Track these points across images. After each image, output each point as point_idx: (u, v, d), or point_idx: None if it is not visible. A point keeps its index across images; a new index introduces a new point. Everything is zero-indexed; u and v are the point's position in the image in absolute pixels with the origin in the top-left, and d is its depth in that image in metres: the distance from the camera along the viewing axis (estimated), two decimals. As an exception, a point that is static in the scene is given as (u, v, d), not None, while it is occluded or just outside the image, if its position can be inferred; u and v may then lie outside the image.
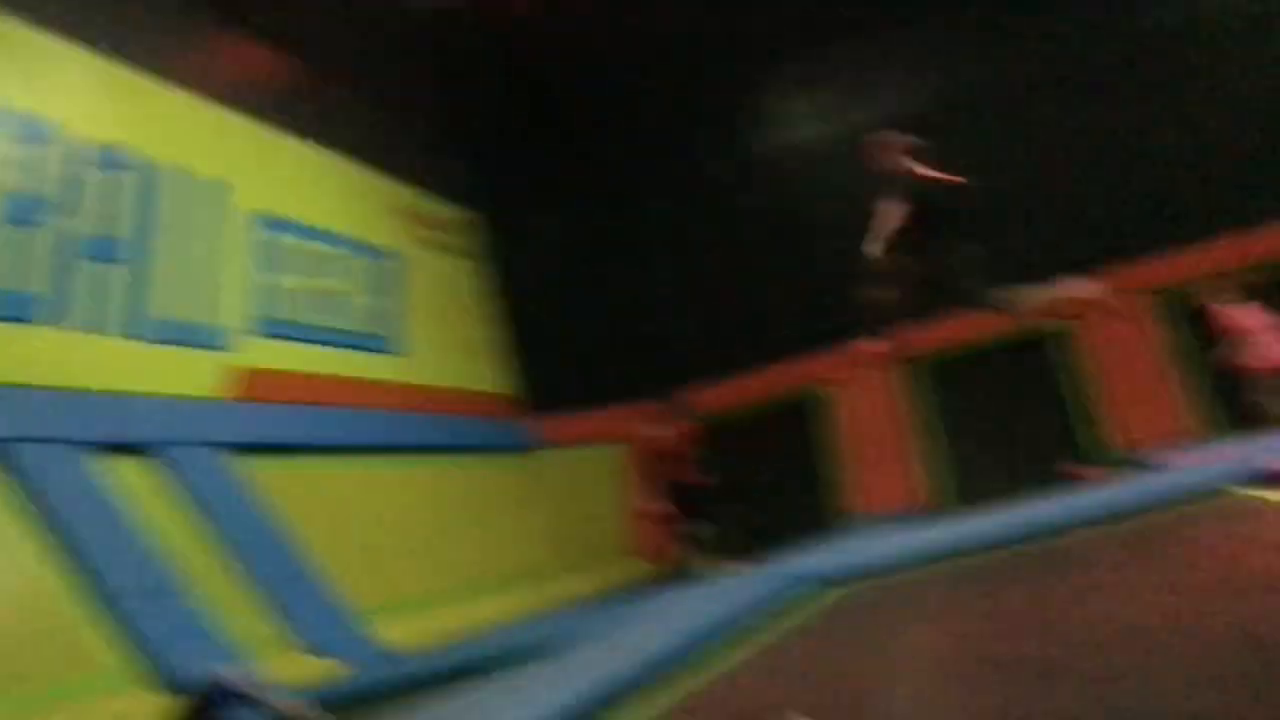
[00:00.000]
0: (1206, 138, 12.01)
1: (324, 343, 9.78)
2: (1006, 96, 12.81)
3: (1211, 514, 5.13)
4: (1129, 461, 9.18)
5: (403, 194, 11.72)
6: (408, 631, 8.15)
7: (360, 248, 10.67)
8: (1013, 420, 11.30)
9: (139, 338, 7.78)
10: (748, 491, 11.18)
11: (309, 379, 9.41)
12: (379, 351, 10.57)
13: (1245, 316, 9.87)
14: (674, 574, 10.98)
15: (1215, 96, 12.11)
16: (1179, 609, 3.03)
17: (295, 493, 8.46)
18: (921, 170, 6.94)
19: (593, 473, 12.53)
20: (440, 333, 11.66)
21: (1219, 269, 11.55)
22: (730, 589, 5.98)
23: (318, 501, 8.71)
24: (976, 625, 3.70)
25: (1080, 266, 10.25)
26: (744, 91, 13.87)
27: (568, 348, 12.81)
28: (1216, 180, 11.81)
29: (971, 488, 11.30)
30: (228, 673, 4.74)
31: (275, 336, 9.15)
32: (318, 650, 7.25)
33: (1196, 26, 12.34)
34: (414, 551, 9.34)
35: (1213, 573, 3.51)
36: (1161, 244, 11.88)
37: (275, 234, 9.49)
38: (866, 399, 12.49)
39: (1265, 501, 5.03)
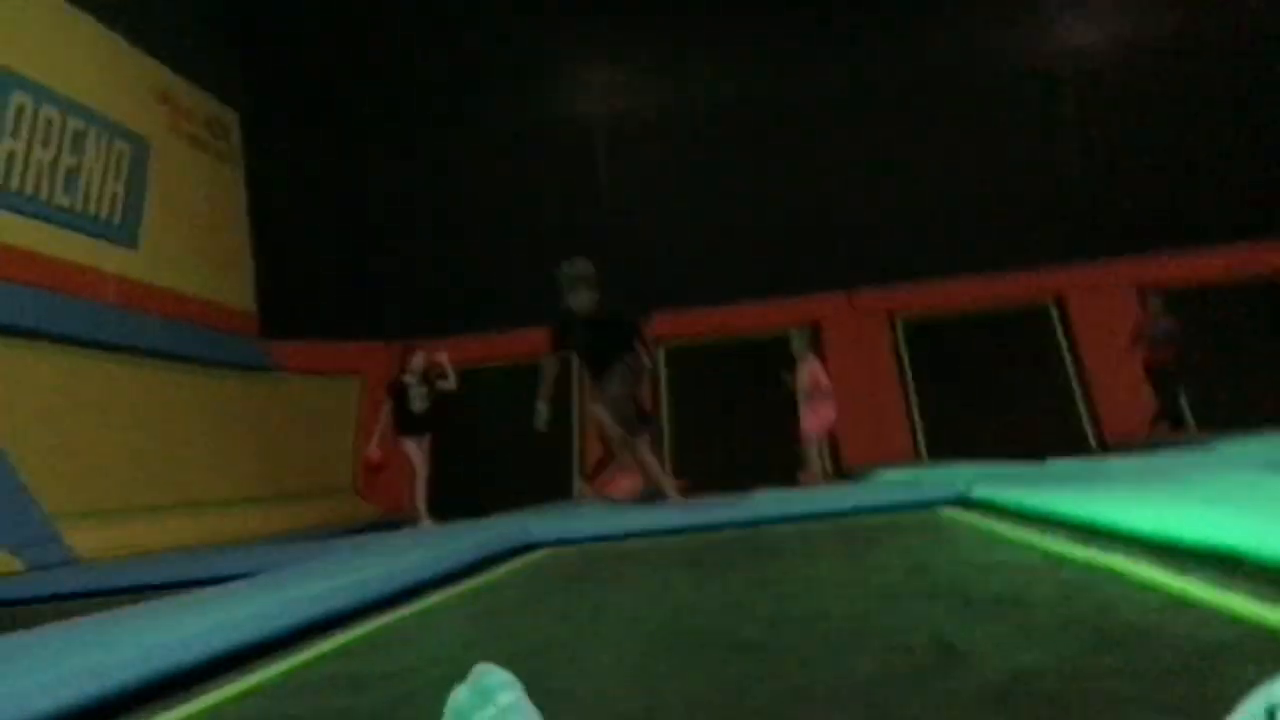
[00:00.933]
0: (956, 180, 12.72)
1: (47, 219, 8.98)
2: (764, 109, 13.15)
3: (915, 526, 5.37)
4: (848, 474, 9.58)
5: (160, 76, 10.85)
6: (105, 541, 7.65)
7: (104, 124, 9.82)
8: (741, 414, 11.61)
9: None
10: (488, 450, 11.05)
11: (26, 256, 8.62)
12: (109, 240, 9.79)
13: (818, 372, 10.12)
14: (394, 518, 10.75)
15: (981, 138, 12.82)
16: (869, 603, 3.12)
17: (-9, 375, 7.76)
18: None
19: (325, 404, 12.10)
20: (181, 232, 10.92)
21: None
22: (442, 539, 5.91)
23: (20, 390, 7.99)
24: (678, 599, 3.71)
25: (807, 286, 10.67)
26: (528, 52, 13.68)
27: (312, 273, 12.29)
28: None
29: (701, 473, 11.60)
30: None
31: (-9, 204, 8.34)
32: (-6, 545, 6.72)
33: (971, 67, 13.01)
34: (124, 459, 8.70)
35: (908, 576, 3.63)
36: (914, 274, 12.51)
37: (4, 93, 8.60)
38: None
39: (964, 522, 5.31)
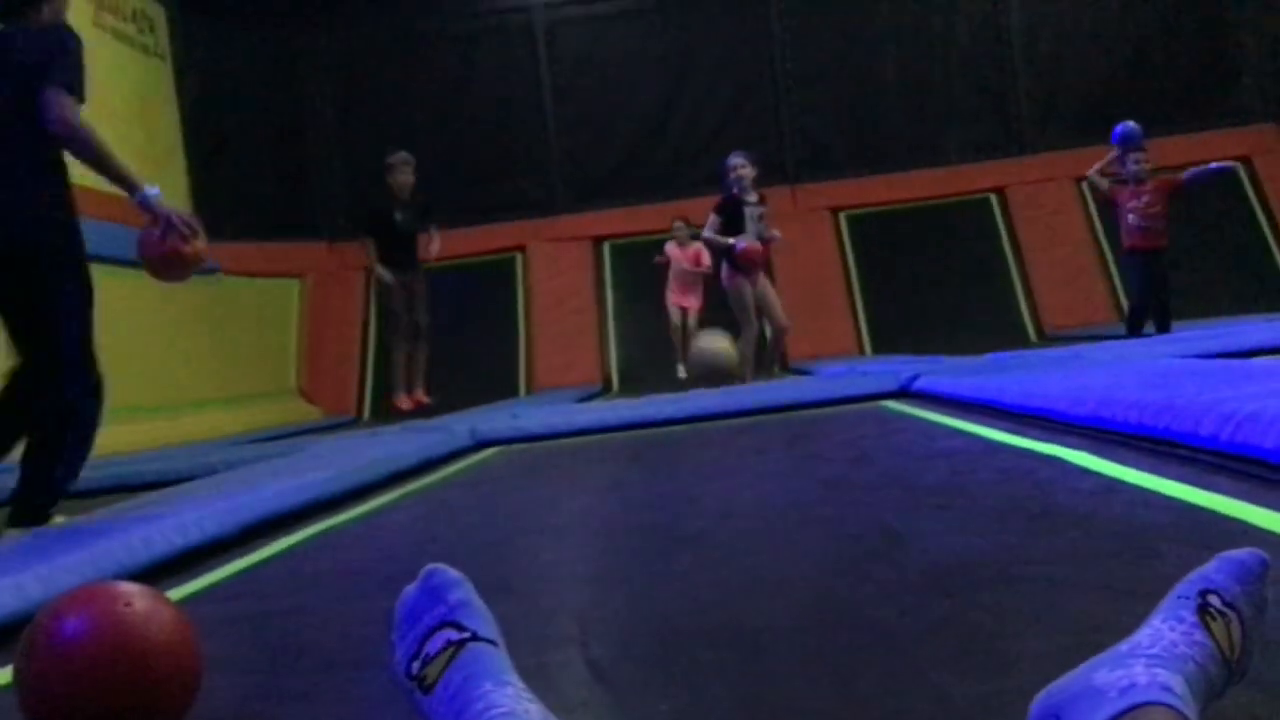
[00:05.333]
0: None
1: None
2: None
3: (858, 418, 5.45)
4: (794, 370, 9.65)
5: (84, -31, 10.39)
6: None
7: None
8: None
9: None
10: (434, 349, 10.97)
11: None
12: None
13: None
14: (339, 420, 10.70)
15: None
16: (814, 494, 3.17)
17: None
18: None
19: (266, 306, 11.94)
20: (109, 132, 10.54)
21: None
22: (389, 439, 5.90)
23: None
24: (625, 495, 3.75)
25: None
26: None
27: (248, 173, 11.99)
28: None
29: (636, 373, 11.69)
30: None
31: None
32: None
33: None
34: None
35: (850, 467, 3.68)
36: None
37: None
38: (564, 272, 12.54)
39: (906, 413, 5.39)
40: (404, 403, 9.13)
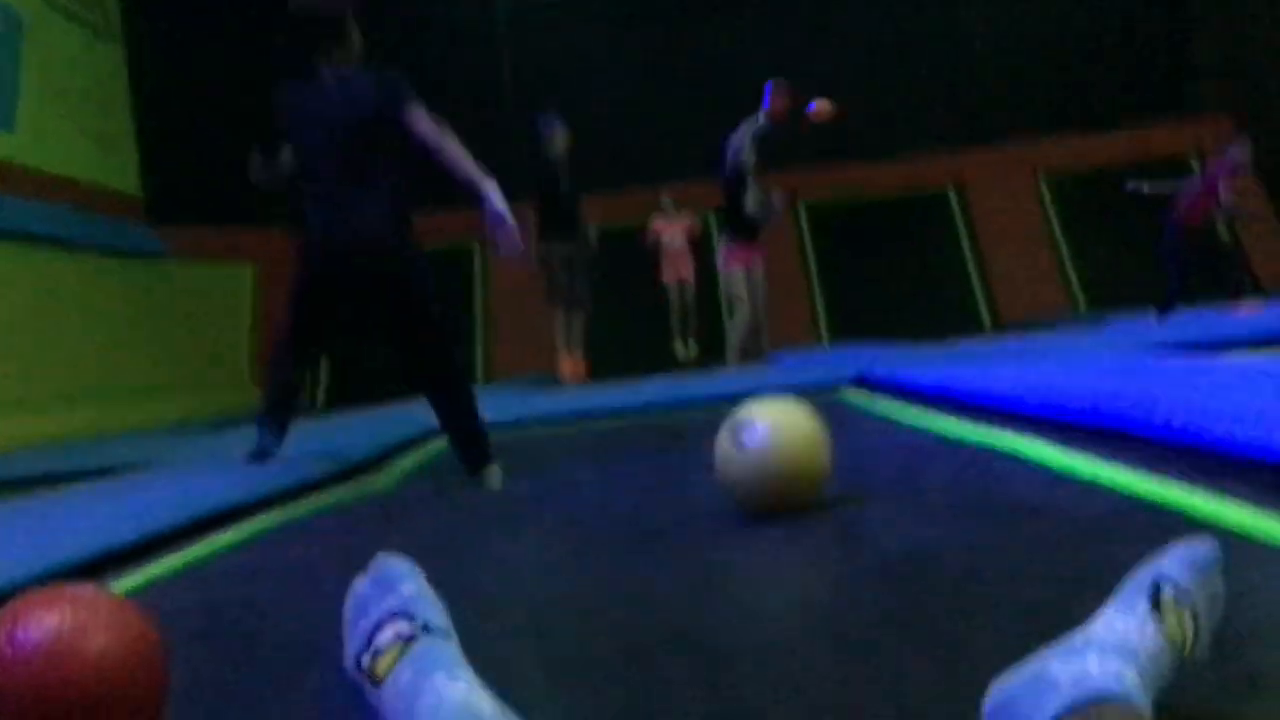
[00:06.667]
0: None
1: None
2: None
3: (815, 407, 5.45)
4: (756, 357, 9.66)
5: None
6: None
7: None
8: (649, 304, 11.59)
9: None
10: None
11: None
12: (-19, 120, 9.30)
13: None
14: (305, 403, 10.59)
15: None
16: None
17: None
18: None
19: (218, 291, 11.79)
20: (60, 113, 10.40)
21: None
22: (341, 430, 5.85)
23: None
24: (585, 490, 3.74)
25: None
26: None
27: (200, 155, 11.80)
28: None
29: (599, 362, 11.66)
30: None
31: None
32: None
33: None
34: (8, 349, 8.38)
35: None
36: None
37: None
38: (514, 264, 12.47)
39: (862, 403, 5.41)
40: (566, 367, 8.84)
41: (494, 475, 3.84)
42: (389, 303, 3.83)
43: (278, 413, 4.05)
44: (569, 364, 8.82)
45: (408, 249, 3.85)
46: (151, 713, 1.32)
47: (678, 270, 10.78)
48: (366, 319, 3.98)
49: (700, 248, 10.80)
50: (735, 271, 8.42)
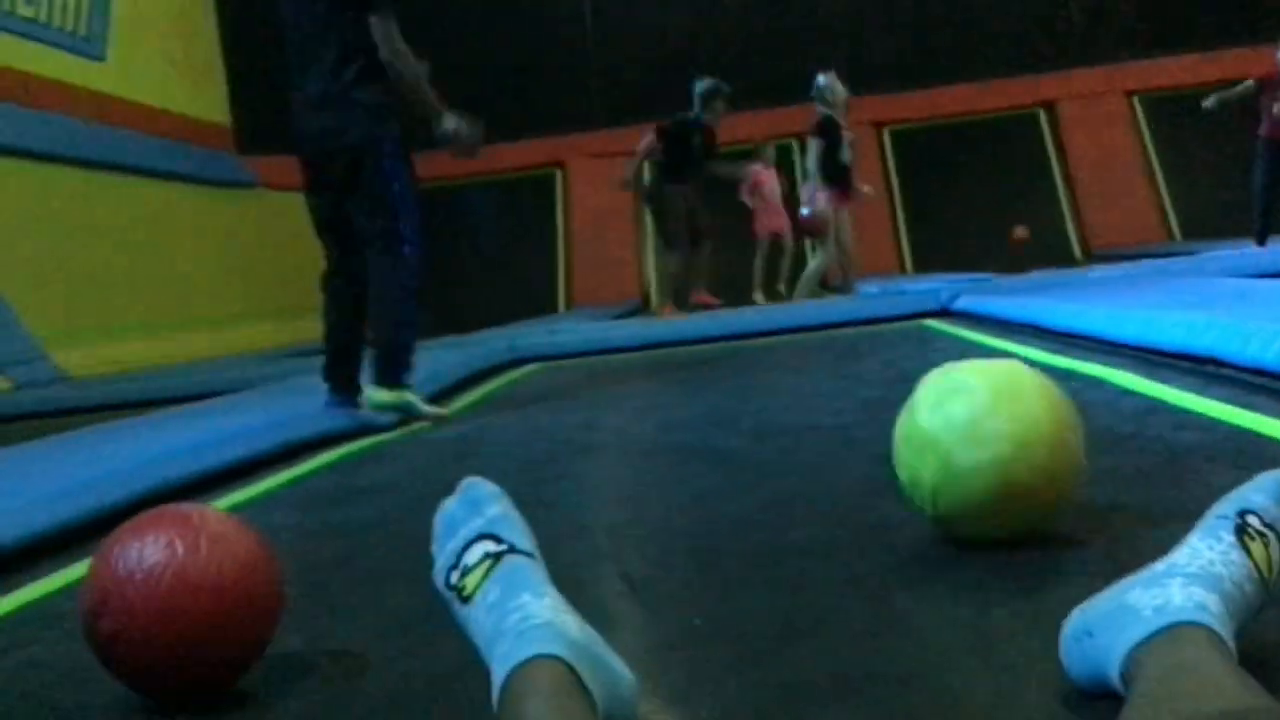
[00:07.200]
0: None
1: (10, 31, 8.66)
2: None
3: (899, 337, 5.42)
4: (832, 287, 9.57)
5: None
6: (92, 359, 7.68)
7: (62, -70, 9.36)
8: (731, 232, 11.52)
9: None
10: (472, 266, 10.94)
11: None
12: (78, 53, 9.48)
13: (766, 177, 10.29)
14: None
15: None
16: (853, 415, 3.15)
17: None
18: None
19: (306, 219, 11.97)
20: (149, 44, 10.55)
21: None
22: (430, 355, 5.92)
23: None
24: (664, 413, 3.76)
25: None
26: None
27: (287, 84, 11.92)
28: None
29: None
30: None
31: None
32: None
33: None
34: (106, 277, 8.62)
35: (889, 388, 3.66)
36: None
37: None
38: (601, 188, 12.45)
39: (947, 332, 5.36)
40: (699, 296, 9.00)
41: (401, 399, 3.70)
42: (346, 183, 3.65)
43: (339, 370, 3.81)
44: (668, 309, 8.89)
45: (366, 131, 3.62)
46: (268, 627, 1.37)
47: (773, 222, 10.22)
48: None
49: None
50: (826, 210, 8.43)
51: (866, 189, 9.00)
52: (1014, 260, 9.45)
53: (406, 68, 3.62)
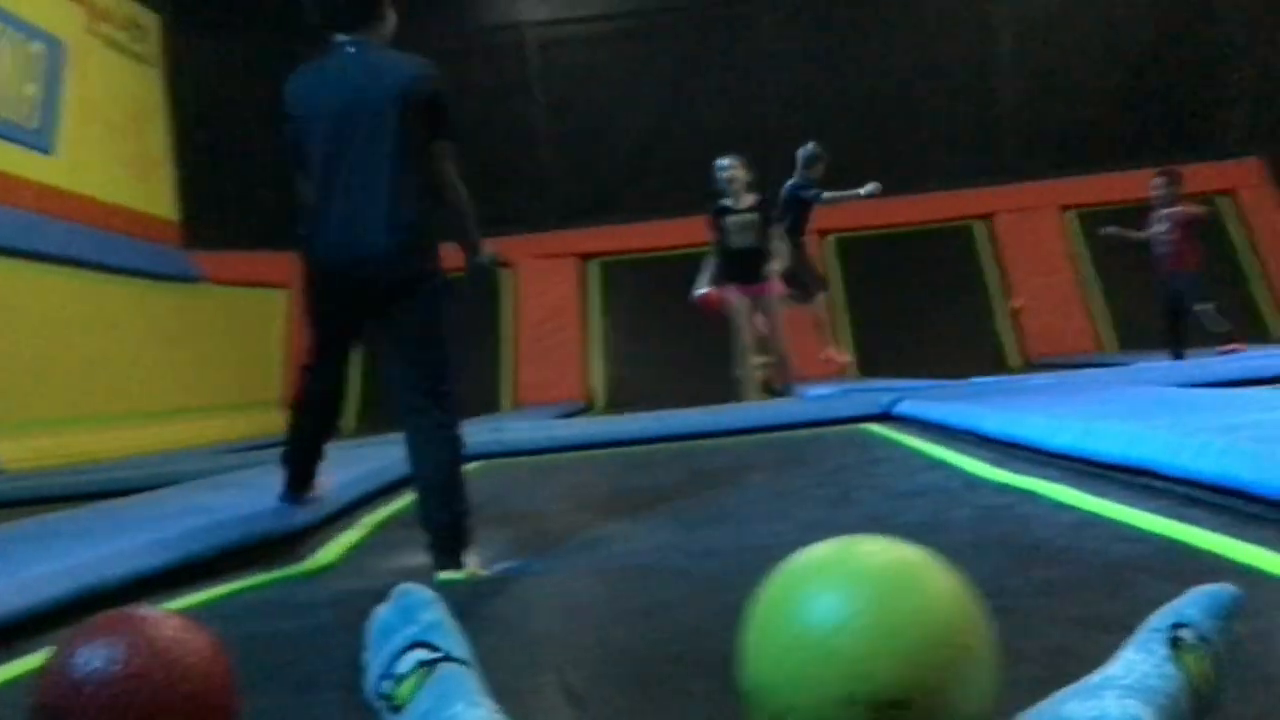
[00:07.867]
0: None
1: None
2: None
3: (841, 442, 5.45)
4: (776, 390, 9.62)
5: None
6: (30, 451, 7.52)
7: (16, 24, 9.40)
8: (679, 334, 11.59)
9: None
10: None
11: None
12: (26, 145, 9.45)
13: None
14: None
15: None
16: (792, 535, 3.16)
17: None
18: None
19: (252, 316, 11.90)
20: (100, 138, 10.56)
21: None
22: (373, 452, 5.86)
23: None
24: (626, 500, 3.74)
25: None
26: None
27: (236, 182, 11.93)
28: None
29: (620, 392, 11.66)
30: None
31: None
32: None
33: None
34: (48, 370, 8.47)
35: (832, 508, 3.68)
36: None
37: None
38: (549, 289, 12.53)
39: (888, 438, 5.40)
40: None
41: (471, 575, 2.92)
42: (394, 322, 3.14)
43: (299, 468, 3.52)
44: (835, 351, 9.73)
45: (420, 264, 3.14)
46: None
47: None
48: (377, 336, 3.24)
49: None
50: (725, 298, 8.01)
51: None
52: (954, 365, 9.59)
53: (465, 196, 3.29)
